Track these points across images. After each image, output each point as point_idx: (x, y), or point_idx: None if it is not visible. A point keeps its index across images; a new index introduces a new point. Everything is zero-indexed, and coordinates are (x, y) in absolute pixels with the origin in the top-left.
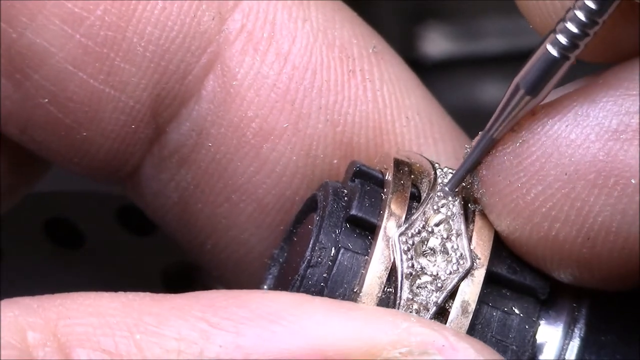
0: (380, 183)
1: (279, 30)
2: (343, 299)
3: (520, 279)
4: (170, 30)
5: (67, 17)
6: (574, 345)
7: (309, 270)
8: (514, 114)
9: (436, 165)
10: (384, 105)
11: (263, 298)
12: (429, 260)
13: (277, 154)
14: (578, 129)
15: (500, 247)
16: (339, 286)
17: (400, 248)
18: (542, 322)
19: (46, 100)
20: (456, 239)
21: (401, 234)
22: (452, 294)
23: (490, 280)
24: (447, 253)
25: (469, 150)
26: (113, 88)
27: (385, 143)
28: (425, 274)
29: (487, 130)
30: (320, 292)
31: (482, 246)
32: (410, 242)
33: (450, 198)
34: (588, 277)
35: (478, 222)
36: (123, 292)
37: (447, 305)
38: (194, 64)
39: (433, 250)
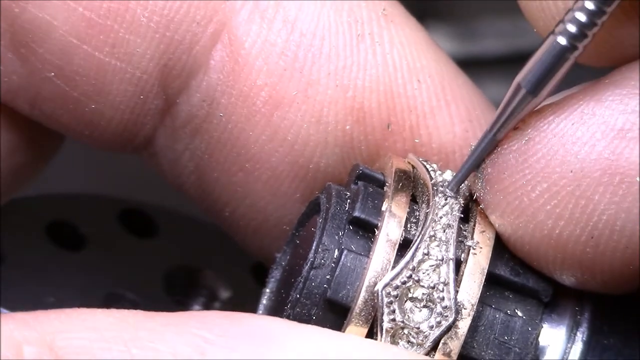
0: (383, 185)
1: None
2: (346, 300)
3: (523, 282)
4: (174, 0)
5: None
6: (577, 348)
7: (312, 272)
8: (515, 114)
9: (435, 186)
10: (395, 68)
11: (256, 318)
12: (415, 307)
13: (287, 122)
14: (584, 127)
15: (503, 249)
16: (342, 288)
17: (383, 301)
18: (545, 325)
19: (52, 74)
20: (443, 288)
21: (386, 285)
22: (435, 346)
23: (493, 282)
24: (433, 303)
25: (471, 149)
26: (119, 60)
27: (397, 106)
28: (408, 326)
29: (489, 130)
30: (323, 294)
31: (470, 292)
32: (395, 293)
33: (443, 238)
34: (590, 278)
35: (471, 261)
36: (116, 309)
37: (429, 355)
38: (201, 34)
39: (419, 300)
